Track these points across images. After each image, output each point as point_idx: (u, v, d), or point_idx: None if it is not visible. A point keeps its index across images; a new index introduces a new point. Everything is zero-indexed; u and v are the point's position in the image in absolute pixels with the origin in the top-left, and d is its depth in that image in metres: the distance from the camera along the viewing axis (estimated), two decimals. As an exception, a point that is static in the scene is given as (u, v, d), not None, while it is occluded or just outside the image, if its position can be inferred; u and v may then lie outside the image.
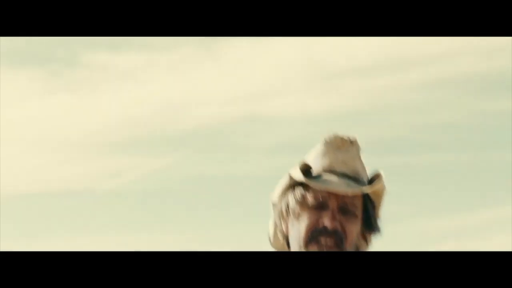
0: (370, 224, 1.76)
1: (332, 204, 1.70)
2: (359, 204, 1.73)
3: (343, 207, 1.70)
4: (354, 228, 1.72)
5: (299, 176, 1.72)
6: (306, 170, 1.73)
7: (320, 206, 1.71)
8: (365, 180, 1.76)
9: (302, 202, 1.73)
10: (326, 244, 1.69)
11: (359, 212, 1.73)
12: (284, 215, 1.77)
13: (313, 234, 1.70)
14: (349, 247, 1.71)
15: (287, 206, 1.76)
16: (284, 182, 1.78)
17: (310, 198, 1.71)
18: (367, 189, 1.72)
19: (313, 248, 1.69)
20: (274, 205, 1.82)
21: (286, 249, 1.81)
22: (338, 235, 1.69)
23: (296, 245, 1.73)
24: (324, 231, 1.69)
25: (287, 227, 1.78)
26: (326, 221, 1.68)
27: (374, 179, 1.76)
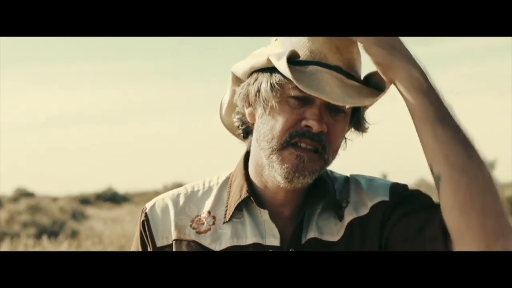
0: (358, 122, 1.46)
1: (319, 99, 1.36)
2: None
3: (332, 104, 1.37)
4: (341, 132, 1.43)
5: (284, 69, 1.33)
6: (293, 60, 1.36)
7: (303, 100, 1.38)
8: (361, 74, 1.43)
9: (281, 93, 1.39)
10: (306, 149, 1.38)
11: (350, 108, 1.42)
12: (250, 100, 1.45)
13: (291, 136, 1.38)
14: (332, 155, 1.42)
15: (258, 91, 1.42)
16: (258, 61, 1.42)
17: (292, 89, 1.37)
18: (373, 100, 1.37)
19: (289, 154, 1.38)
20: (235, 75, 1.49)
21: (237, 133, 1.55)
22: (321, 141, 1.38)
23: (265, 145, 1.41)
24: (306, 133, 1.38)
25: (253, 116, 1.47)
26: (311, 122, 1.37)
27: (377, 80, 1.39)
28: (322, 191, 1.49)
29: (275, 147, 1.40)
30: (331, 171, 1.57)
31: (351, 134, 1.50)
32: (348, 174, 1.57)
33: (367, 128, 1.49)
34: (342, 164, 1.47)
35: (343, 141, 1.48)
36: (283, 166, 1.40)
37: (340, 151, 1.47)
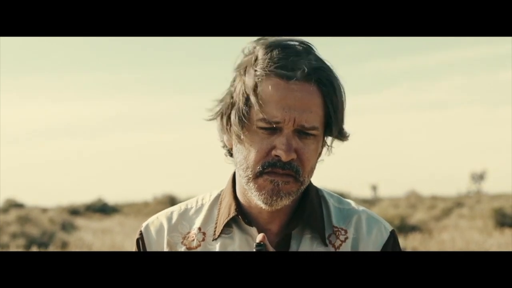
0: (336, 133, 1.49)
1: (288, 126, 1.43)
2: (319, 116, 1.45)
3: (300, 130, 1.44)
4: (313, 154, 1.47)
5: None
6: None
7: (271, 130, 1.44)
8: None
9: (250, 126, 1.46)
10: (281, 176, 1.44)
11: (320, 129, 1.46)
12: (225, 129, 1.51)
13: (264, 167, 1.45)
14: (307, 177, 1.48)
15: (228, 121, 1.49)
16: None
17: (259, 121, 1.45)
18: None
19: (263, 181, 1.45)
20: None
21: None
22: (293, 167, 1.44)
23: (242, 173, 1.49)
24: (277, 163, 1.44)
25: (230, 143, 1.53)
26: (279, 151, 1.43)
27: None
28: (307, 215, 1.54)
29: (250, 176, 1.47)
30: (331, 195, 1.61)
31: (335, 142, 1.52)
32: (352, 202, 1.61)
33: (347, 136, 1.51)
34: (334, 176, 1.51)
35: (326, 149, 1.52)
36: (261, 193, 1.47)
37: (332, 160, 1.55)
